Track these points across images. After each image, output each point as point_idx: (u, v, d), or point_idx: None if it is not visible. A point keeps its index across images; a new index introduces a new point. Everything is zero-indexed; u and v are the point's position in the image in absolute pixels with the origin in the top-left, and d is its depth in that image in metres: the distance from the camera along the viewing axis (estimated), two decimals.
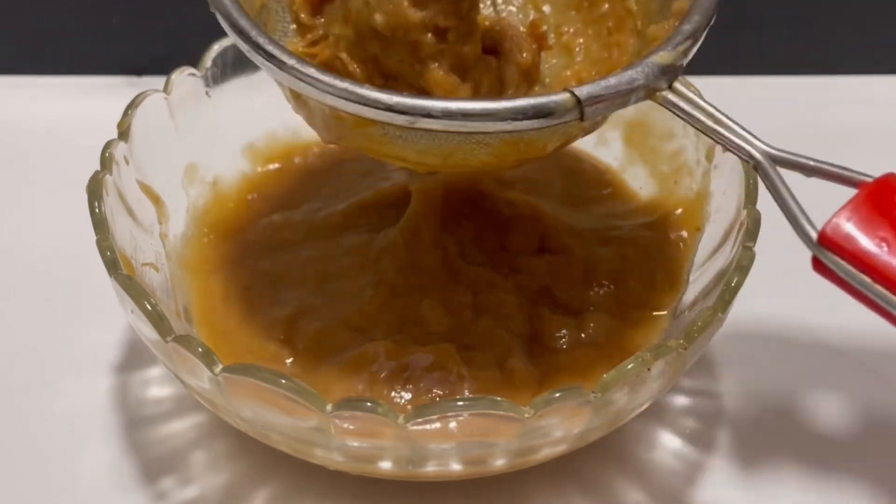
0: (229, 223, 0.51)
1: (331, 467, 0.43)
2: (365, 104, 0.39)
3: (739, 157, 0.40)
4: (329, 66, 0.44)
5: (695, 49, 0.41)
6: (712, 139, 0.40)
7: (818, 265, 0.37)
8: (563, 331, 0.46)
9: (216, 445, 0.46)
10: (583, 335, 0.46)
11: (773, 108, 0.62)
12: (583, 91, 0.39)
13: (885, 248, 0.36)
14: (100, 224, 0.43)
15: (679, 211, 0.50)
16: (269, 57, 0.40)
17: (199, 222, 0.51)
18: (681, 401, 0.48)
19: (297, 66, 0.39)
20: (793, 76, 0.65)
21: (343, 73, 0.43)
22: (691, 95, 0.40)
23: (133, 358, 0.49)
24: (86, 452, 0.46)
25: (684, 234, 0.50)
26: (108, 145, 0.46)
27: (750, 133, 0.40)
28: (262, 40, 0.40)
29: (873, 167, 0.59)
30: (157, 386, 0.48)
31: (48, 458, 0.46)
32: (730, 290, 0.42)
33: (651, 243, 0.50)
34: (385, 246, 0.48)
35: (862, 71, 0.65)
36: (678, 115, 0.40)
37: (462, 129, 0.39)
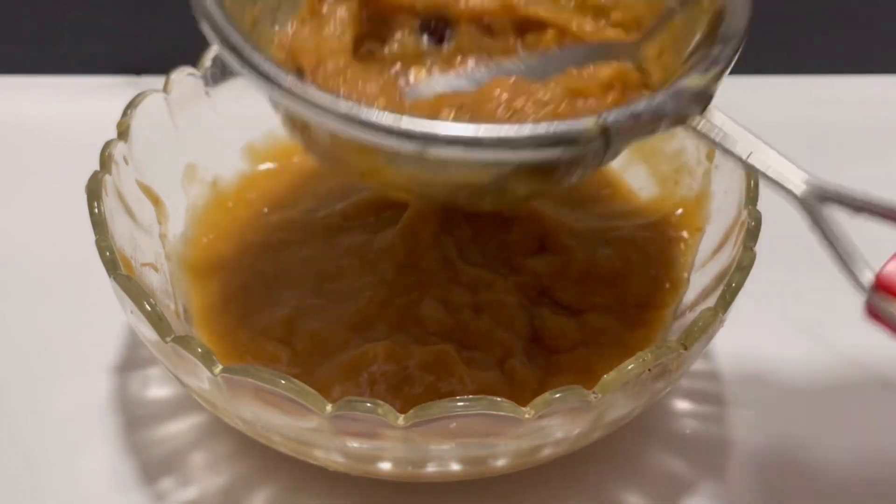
0: (228, 223, 0.51)
1: (331, 468, 0.43)
2: (369, 127, 0.36)
3: (783, 189, 0.37)
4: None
5: (727, 72, 0.38)
6: (750, 170, 0.37)
7: (872, 312, 0.34)
8: (564, 331, 0.46)
9: (216, 446, 0.46)
10: (583, 336, 0.46)
11: (773, 108, 0.62)
12: (609, 117, 0.36)
13: None
14: (99, 224, 0.43)
15: (680, 211, 0.50)
16: (264, 77, 0.37)
17: (198, 222, 0.51)
18: (681, 402, 0.48)
19: (294, 87, 0.37)
20: (793, 76, 0.65)
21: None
22: (726, 120, 0.38)
23: (133, 358, 0.49)
24: (85, 452, 0.46)
25: (685, 234, 0.50)
26: (107, 145, 0.46)
27: (793, 162, 0.37)
28: (256, 58, 0.37)
29: (873, 167, 0.59)
30: (156, 386, 0.48)
31: (48, 458, 0.46)
32: (730, 291, 0.42)
33: (651, 244, 0.49)
34: (384, 246, 0.48)
35: (862, 71, 0.65)
36: (711, 144, 0.38)
37: (477, 158, 0.36)
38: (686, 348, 0.40)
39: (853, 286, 0.34)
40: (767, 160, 0.37)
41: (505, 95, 0.40)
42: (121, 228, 0.45)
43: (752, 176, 0.45)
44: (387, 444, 0.39)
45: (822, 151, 0.60)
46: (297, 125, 0.40)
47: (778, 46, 0.65)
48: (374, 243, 0.49)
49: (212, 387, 0.40)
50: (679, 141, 0.51)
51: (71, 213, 0.47)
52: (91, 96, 0.61)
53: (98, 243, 0.43)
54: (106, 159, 0.45)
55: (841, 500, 0.45)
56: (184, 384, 0.42)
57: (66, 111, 0.61)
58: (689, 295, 0.47)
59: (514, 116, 0.39)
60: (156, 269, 0.47)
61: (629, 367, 0.39)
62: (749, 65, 0.64)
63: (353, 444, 0.40)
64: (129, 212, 0.46)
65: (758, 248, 0.43)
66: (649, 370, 0.39)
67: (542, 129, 0.36)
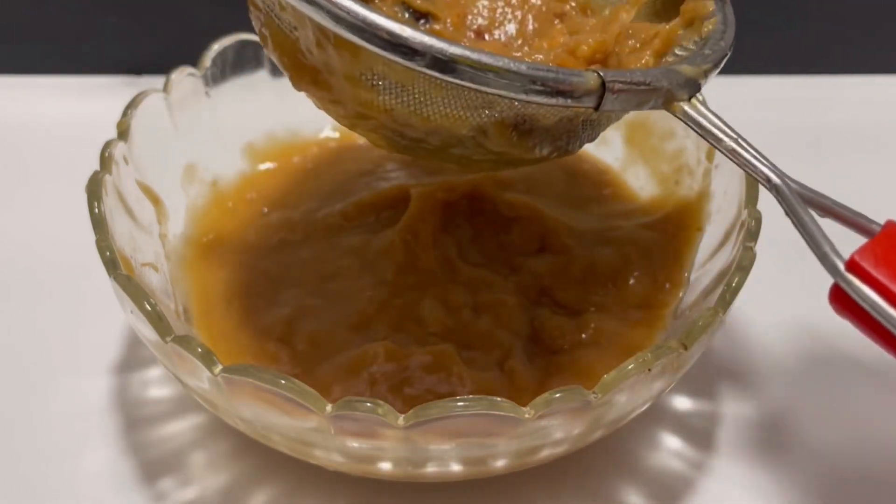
0: (228, 223, 0.51)
1: (330, 468, 0.43)
2: (365, 30, 0.34)
3: (757, 180, 0.38)
4: None
5: (714, 74, 0.39)
6: (731, 159, 0.38)
7: (838, 297, 0.35)
8: (564, 331, 0.46)
9: (216, 446, 0.46)
10: (583, 336, 0.46)
11: (773, 108, 0.62)
12: (608, 75, 0.36)
13: None
14: (99, 224, 0.43)
15: (680, 211, 0.50)
16: None
17: (198, 222, 0.51)
18: (681, 401, 0.48)
19: None
20: (793, 76, 0.65)
21: None
22: (710, 114, 0.39)
23: (133, 358, 0.49)
24: (85, 453, 0.46)
25: (685, 234, 0.49)
26: (107, 145, 0.46)
27: (768, 160, 0.38)
28: None
29: (874, 167, 0.59)
30: (156, 386, 0.48)
31: (48, 458, 0.46)
32: (730, 291, 0.42)
33: (652, 243, 0.49)
34: (384, 247, 0.48)
35: (862, 71, 0.65)
36: (696, 130, 0.38)
37: (466, 84, 0.35)
38: (686, 348, 0.40)
39: (825, 267, 0.35)
40: (748, 152, 0.38)
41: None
42: (121, 228, 0.45)
43: None
44: (387, 444, 0.39)
45: (821, 151, 0.60)
46: (286, 41, 0.38)
47: (778, 47, 0.65)
48: (374, 243, 0.49)
49: (212, 387, 0.40)
50: (679, 141, 0.51)
51: (71, 213, 0.47)
52: (91, 96, 0.61)
53: (98, 243, 0.43)
54: (106, 159, 0.45)
55: (841, 497, 0.45)
56: (184, 384, 0.42)
57: (66, 111, 0.61)
58: (690, 295, 0.47)
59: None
60: (156, 269, 0.47)
61: (629, 367, 0.39)
62: (748, 65, 0.64)
63: (353, 444, 0.40)
64: (129, 212, 0.46)
65: (758, 248, 0.43)
66: (649, 370, 0.39)
67: (544, 68, 0.35)
